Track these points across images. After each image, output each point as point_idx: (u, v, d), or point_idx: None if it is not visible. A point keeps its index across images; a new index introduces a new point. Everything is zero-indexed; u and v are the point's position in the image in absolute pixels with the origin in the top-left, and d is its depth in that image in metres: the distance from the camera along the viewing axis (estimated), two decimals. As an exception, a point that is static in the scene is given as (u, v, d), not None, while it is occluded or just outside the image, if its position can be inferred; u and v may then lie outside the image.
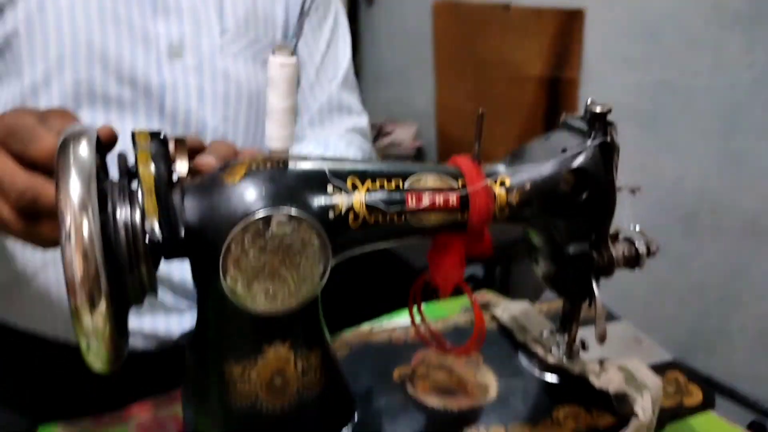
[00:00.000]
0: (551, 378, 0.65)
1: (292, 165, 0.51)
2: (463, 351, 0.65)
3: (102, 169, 0.52)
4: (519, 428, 0.58)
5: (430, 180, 0.54)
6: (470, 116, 0.65)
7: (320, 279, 0.51)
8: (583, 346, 0.64)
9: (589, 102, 0.56)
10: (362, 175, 0.52)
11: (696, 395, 0.62)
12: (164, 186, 0.49)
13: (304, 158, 0.52)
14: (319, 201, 0.50)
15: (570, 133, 0.57)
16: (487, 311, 0.76)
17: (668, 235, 1.61)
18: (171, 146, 0.51)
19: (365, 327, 0.76)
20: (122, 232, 0.46)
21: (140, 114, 0.76)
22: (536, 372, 0.66)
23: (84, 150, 0.45)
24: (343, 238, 0.52)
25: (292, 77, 0.50)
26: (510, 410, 0.60)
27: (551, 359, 0.64)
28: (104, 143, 0.53)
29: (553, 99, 1.84)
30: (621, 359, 0.61)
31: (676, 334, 1.65)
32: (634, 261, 0.59)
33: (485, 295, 0.81)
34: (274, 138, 0.51)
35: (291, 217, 0.48)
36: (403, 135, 2.24)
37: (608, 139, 0.55)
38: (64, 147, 0.44)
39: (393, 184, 0.53)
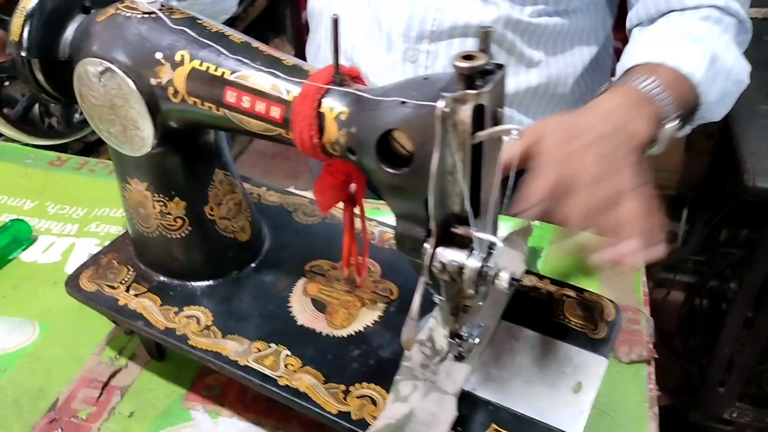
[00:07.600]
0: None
1: (153, 20, 0.50)
2: (346, 275, 0.58)
3: None
4: (321, 387, 0.52)
5: (258, 81, 0.47)
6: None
7: (152, 137, 0.52)
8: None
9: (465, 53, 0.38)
10: (194, 52, 0.49)
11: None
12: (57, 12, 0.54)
13: (171, 14, 0.50)
14: (145, 63, 0.50)
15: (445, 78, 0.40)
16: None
17: None
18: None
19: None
20: None
21: None
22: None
23: None
24: (166, 107, 0.51)
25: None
26: (338, 362, 0.54)
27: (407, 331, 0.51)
28: None
29: None
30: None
31: None
32: (465, 280, 0.42)
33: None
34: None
35: (108, 70, 0.50)
36: None
37: (448, 108, 0.37)
38: None
39: (219, 72, 0.48)
